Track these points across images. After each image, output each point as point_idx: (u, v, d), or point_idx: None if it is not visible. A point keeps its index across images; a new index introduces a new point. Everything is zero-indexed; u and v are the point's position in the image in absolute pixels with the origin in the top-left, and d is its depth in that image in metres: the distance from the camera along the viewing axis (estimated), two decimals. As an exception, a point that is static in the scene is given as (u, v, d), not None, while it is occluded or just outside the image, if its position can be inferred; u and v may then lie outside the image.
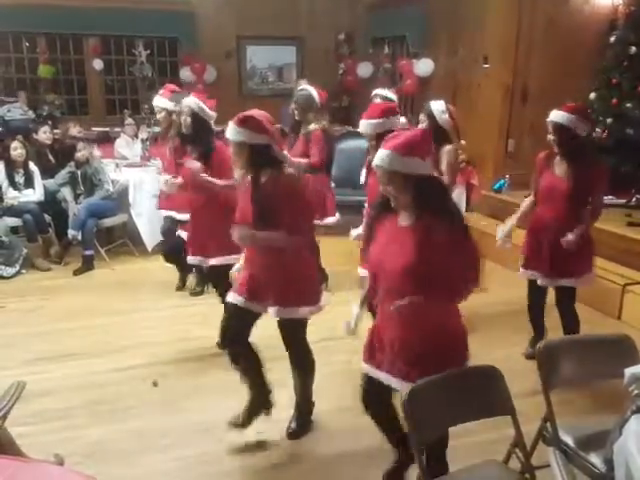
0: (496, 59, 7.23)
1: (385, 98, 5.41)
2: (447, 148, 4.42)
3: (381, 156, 2.38)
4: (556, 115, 3.74)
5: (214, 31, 9.13)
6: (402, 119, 4.18)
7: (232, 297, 3.19)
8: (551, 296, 4.15)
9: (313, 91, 5.22)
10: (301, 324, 3.22)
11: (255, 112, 3.05)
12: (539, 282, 4.02)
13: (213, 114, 4.21)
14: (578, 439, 2.46)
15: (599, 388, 3.56)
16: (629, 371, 2.05)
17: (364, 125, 3.87)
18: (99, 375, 4.02)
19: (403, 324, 2.43)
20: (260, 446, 3.31)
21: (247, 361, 3.24)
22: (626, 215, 5.99)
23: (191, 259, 4.30)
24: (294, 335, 3.24)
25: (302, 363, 3.32)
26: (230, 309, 3.21)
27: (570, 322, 4.02)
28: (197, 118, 4.12)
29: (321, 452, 3.25)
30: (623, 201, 6.42)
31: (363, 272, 3.54)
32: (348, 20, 9.66)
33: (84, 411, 3.60)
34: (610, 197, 6.53)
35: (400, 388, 2.47)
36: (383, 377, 2.56)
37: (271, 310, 3.12)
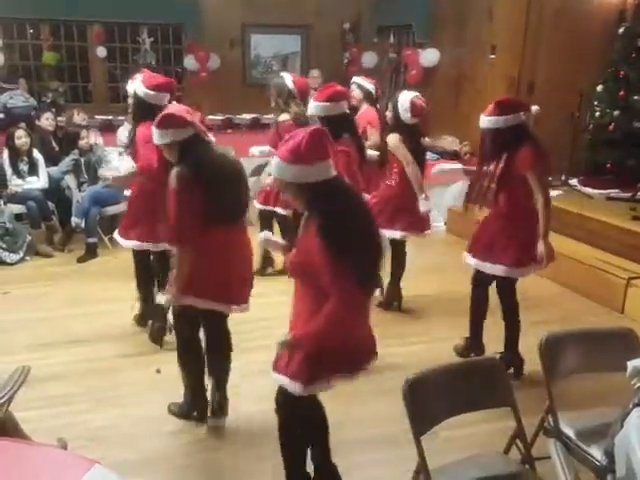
0: (503, 50, 7.20)
1: (362, 87, 5.42)
2: (390, 136, 4.54)
3: (274, 165, 2.36)
4: (483, 121, 3.72)
5: (219, 19, 9.09)
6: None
7: None
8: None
9: (288, 78, 5.14)
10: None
11: (173, 108, 3.08)
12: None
13: (155, 93, 3.95)
14: (579, 431, 2.47)
15: (601, 381, 3.56)
16: (631, 364, 2.06)
17: (311, 107, 4.15)
18: (103, 361, 4.04)
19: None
20: (264, 432, 3.32)
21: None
22: (631, 209, 5.97)
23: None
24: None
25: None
26: None
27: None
28: (138, 99, 4.04)
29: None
30: (628, 195, 6.40)
31: None
32: (354, 9, 9.61)
33: (88, 396, 3.62)
34: (616, 190, 6.53)
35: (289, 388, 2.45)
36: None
37: None
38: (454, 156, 7.62)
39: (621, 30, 6.64)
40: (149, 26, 9.13)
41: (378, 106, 5.59)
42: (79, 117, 7.13)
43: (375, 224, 2.48)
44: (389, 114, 4.62)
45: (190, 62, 9.05)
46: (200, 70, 8.98)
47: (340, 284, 2.23)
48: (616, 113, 6.48)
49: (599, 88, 6.68)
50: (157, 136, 3.03)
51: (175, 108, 3.07)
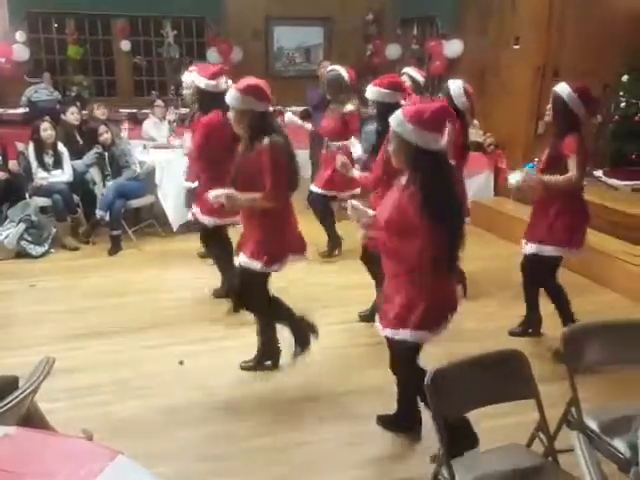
0: (528, 40, 7.10)
1: (412, 78, 5.37)
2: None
3: (394, 117, 2.62)
4: (560, 87, 3.79)
5: (242, 11, 9.11)
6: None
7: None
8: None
9: (342, 71, 5.25)
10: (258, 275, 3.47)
11: (258, 80, 3.30)
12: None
13: (215, 82, 4.41)
14: (603, 424, 2.45)
15: (624, 373, 3.52)
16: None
17: (370, 91, 4.11)
18: (127, 353, 4.08)
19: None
20: (284, 422, 3.35)
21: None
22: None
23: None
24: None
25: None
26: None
27: (551, 295, 4.08)
28: (201, 92, 4.46)
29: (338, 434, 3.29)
30: (654, 186, 6.30)
31: None
32: (377, 0, 9.55)
33: (112, 388, 3.67)
34: (640, 182, 6.44)
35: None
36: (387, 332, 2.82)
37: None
38: (477, 147, 7.54)
39: (648, 18, 6.52)
40: (172, 19, 9.18)
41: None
42: (99, 111, 7.18)
43: (463, 204, 2.90)
44: None
45: (213, 55, 9.07)
46: (223, 63, 8.99)
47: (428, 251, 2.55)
48: (642, 103, 6.37)
49: (624, 78, 6.57)
50: (237, 100, 3.23)
51: (260, 80, 3.29)
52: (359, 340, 4.21)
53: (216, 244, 4.72)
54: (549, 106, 3.90)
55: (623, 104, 6.55)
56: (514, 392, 2.40)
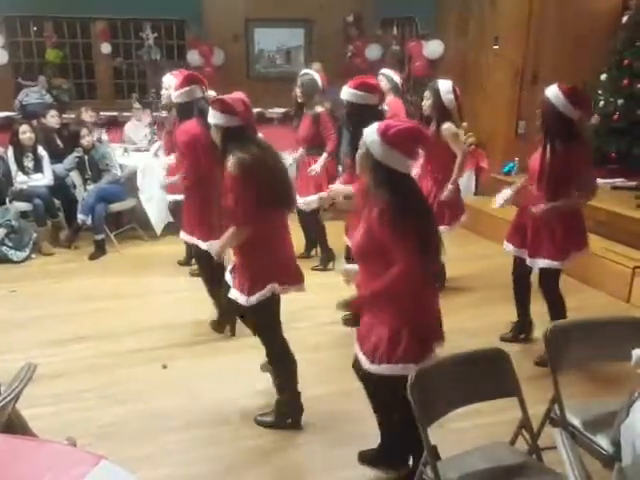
0: (507, 40, 7.16)
1: (390, 79, 5.43)
2: (446, 125, 4.55)
3: (366, 134, 2.42)
4: (549, 91, 3.62)
5: (222, 13, 9.08)
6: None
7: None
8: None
9: (316, 75, 5.29)
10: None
11: (233, 95, 3.16)
12: (527, 261, 3.95)
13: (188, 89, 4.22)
14: (585, 420, 2.47)
15: (607, 370, 3.56)
16: (637, 353, 2.06)
17: (343, 91, 4.06)
18: (109, 357, 4.05)
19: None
20: (268, 428, 3.34)
21: None
22: (636, 197, 5.93)
23: (182, 235, 4.43)
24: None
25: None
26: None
27: (553, 307, 3.93)
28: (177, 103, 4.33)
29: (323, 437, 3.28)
30: (633, 184, 6.37)
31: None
32: (357, 1, 9.57)
33: (95, 393, 3.64)
34: (621, 179, 6.50)
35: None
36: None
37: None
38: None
39: (625, 18, 6.60)
40: (152, 22, 9.13)
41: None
42: (87, 114, 7.12)
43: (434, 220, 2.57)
44: (428, 103, 4.61)
45: (194, 57, 9.03)
46: (204, 65, 8.96)
47: (406, 253, 2.30)
48: (620, 102, 6.43)
49: (603, 77, 6.64)
50: (209, 115, 3.15)
51: (234, 96, 3.17)
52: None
53: (208, 267, 4.26)
54: (539, 110, 3.73)
55: (602, 103, 6.62)
56: (497, 390, 2.42)
